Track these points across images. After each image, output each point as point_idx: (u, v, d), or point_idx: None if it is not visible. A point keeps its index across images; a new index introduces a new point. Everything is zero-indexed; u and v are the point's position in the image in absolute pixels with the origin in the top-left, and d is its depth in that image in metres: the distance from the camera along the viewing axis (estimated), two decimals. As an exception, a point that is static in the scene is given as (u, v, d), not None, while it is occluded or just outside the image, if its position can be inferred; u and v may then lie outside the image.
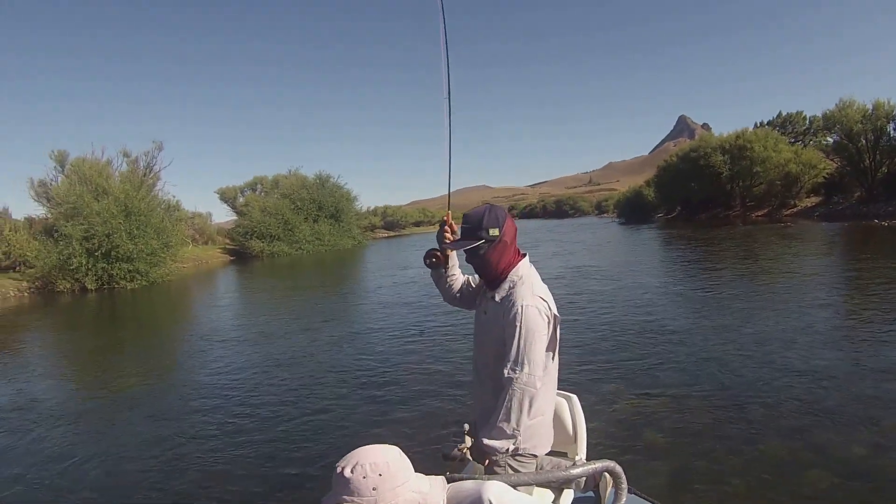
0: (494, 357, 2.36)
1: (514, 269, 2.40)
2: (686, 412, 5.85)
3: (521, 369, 2.23)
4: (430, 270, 2.80)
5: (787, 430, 5.27)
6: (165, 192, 35.85)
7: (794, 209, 45.07)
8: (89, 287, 25.92)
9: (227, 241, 47.10)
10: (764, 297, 12.02)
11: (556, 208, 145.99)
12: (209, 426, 6.54)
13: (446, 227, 2.65)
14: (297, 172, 52.90)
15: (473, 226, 2.36)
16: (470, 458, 2.38)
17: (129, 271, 26.79)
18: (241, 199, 50.59)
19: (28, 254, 26.59)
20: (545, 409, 2.41)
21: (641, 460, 4.80)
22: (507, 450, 2.28)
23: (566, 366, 7.69)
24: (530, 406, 2.25)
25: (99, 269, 26.19)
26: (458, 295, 2.77)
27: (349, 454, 1.50)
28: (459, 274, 2.78)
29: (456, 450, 2.35)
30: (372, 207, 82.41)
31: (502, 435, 2.26)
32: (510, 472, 2.31)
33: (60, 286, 25.86)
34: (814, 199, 45.87)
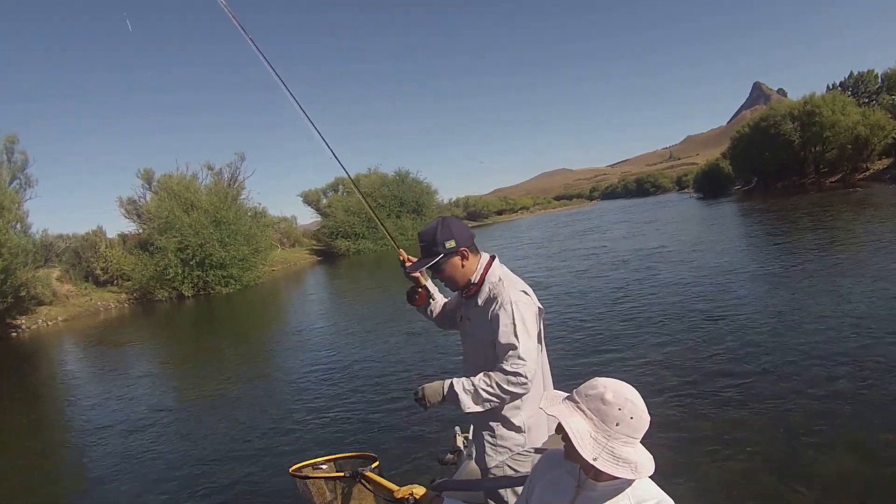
0: (485, 360, 2.31)
1: (489, 273, 2.37)
2: (708, 403, 5.43)
3: (518, 359, 2.15)
4: (416, 307, 2.77)
5: (821, 430, 4.61)
6: (251, 200, 36.70)
7: (867, 173, 42.10)
8: (186, 294, 27.03)
9: (314, 242, 48.18)
10: (828, 272, 10.67)
11: (637, 187, 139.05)
12: (296, 425, 6.64)
13: (406, 262, 2.63)
14: (377, 171, 53.42)
15: (429, 243, 2.36)
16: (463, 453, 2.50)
17: (223, 277, 27.81)
18: (325, 201, 51.42)
19: (125, 267, 28.00)
20: (535, 403, 2.32)
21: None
22: (466, 407, 2.19)
23: (605, 357, 7.30)
24: (512, 393, 2.17)
25: (194, 276, 27.33)
26: (445, 318, 2.74)
27: (611, 381, 1.52)
28: (441, 298, 2.76)
29: (448, 454, 2.38)
30: (454, 199, 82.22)
31: (476, 396, 2.19)
32: (509, 472, 2.30)
33: (159, 295, 27.18)
34: (885, 161, 42.78)
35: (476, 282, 2.37)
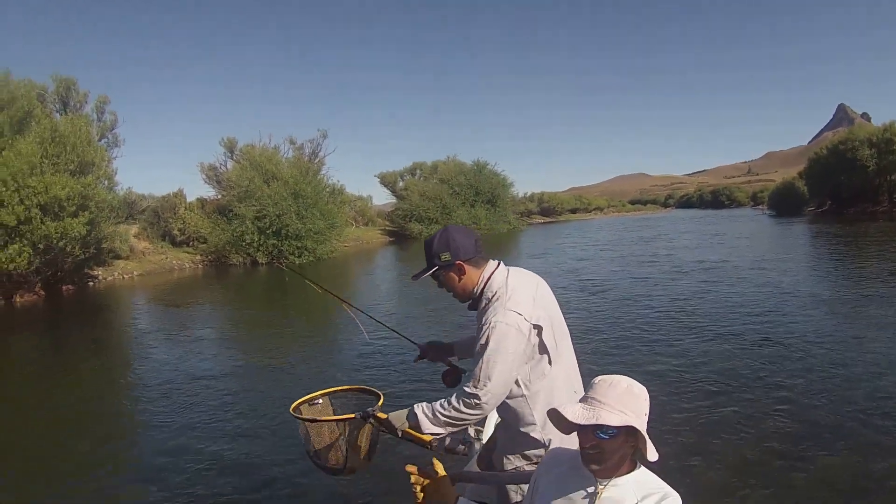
0: None
1: (488, 286, 2.28)
2: (738, 416, 5.37)
3: (478, 382, 2.09)
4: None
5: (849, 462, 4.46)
6: (329, 177, 36.71)
7: (942, 204, 41.01)
8: (260, 261, 27.10)
9: (387, 223, 48.30)
10: (887, 303, 10.22)
11: (713, 199, 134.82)
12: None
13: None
14: (455, 159, 52.91)
15: (426, 253, 2.32)
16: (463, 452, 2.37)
17: (298, 248, 27.78)
18: (401, 184, 51.48)
19: (202, 230, 28.38)
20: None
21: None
22: (425, 429, 2.16)
23: (644, 362, 7.32)
24: (467, 415, 2.12)
25: (269, 245, 27.30)
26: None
27: (617, 376, 1.51)
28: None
29: (460, 445, 2.32)
30: (528, 193, 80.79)
31: (434, 419, 2.15)
32: (520, 470, 2.26)
33: (233, 259, 27.43)
34: (960, 195, 41.49)
35: (476, 296, 2.30)
